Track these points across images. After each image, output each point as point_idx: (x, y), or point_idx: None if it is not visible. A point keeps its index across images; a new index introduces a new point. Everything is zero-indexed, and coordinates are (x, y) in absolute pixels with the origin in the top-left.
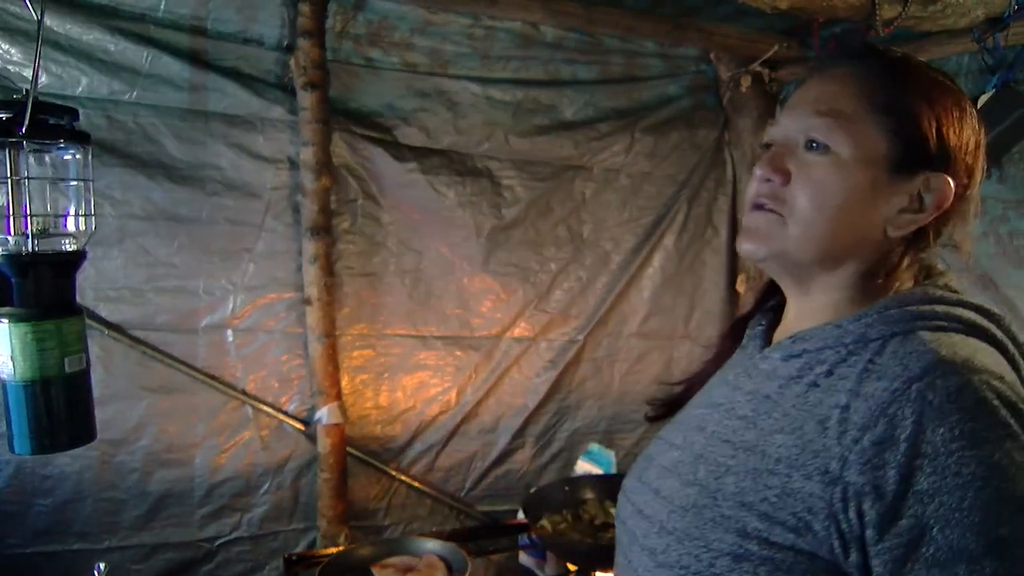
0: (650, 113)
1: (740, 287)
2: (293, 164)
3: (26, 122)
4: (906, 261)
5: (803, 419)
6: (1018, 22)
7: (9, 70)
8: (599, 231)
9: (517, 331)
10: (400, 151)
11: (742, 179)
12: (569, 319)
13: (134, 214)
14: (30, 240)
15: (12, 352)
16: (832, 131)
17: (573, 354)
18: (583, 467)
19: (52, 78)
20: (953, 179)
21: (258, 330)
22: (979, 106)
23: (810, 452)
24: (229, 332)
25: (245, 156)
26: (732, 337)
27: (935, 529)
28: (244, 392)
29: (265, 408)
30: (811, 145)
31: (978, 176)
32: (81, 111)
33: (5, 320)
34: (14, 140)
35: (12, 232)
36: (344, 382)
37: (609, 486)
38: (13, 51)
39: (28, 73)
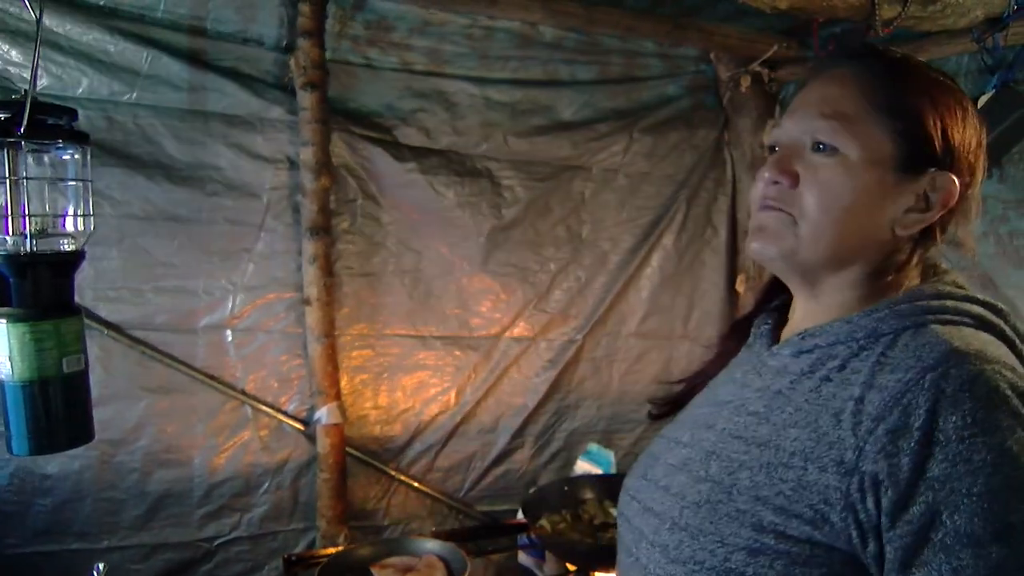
0: (649, 113)
1: (739, 287)
2: (292, 164)
3: (25, 122)
4: (914, 260)
5: (817, 412)
6: (1017, 22)
7: (9, 71)
8: (598, 231)
9: (516, 331)
10: (399, 151)
11: (741, 179)
12: (568, 319)
13: (134, 214)
14: (28, 240)
15: (10, 352)
16: (838, 133)
17: (572, 354)
18: (582, 467)
19: (52, 79)
20: (957, 178)
21: (257, 330)
22: (979, 106)
23: (825, 444)
24: (228, 332)
25: (245, 156)
26: (734, 337)
27: (944, 515)
28: (243, 392)
29: (264, 408)
30: (818, 147)
31: (980, 174)
32: (81, 112)
33: (3, 320)
34: (13, 140)
35: (11, 232)
36: (343, 382)
37: (608, 486)
38: (13, 52)
39: (28, 74)
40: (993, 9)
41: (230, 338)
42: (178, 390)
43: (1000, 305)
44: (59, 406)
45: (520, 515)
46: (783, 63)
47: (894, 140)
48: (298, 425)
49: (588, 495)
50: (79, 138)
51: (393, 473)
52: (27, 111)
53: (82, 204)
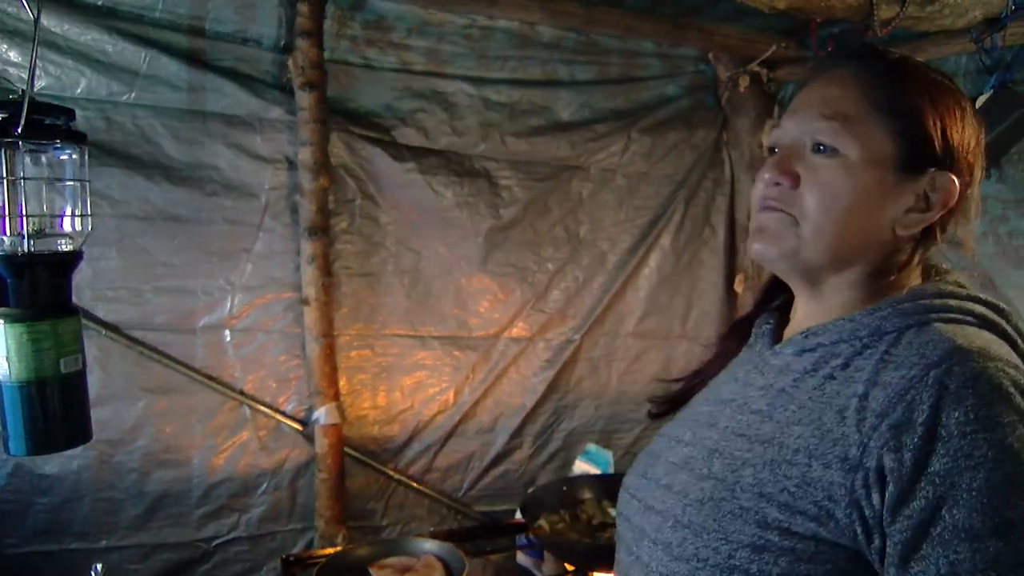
0: (648, 113)
1: (738, 287)
2: (291, 164)
3: (22, 122)
4: (914, 260)
5: (820, 410)
6: (1015, 22)
7: (8, 71)
8: (596, 231)
9: (515, 331)
10: (398, 151)
11: (740, 179)
12: (566, 319)
13: (132, 214)
14: (26, 240)
15: (7, 353)
16: (839, 134)
17: (570, 354)
18: (581, 467)
19: (51, 79)
20: (957, 177)
21: (256, 330)
22: (977, 107)
23: (829, 441)
24: (227, 332)
25: (243, 156)
26: (734, 337)
27: (944, 509)
28: (242, 392)
29: (263, 408)
30: (818, 148)
31: (978, 174)
32: (80, 112)
33: (0, 321)
34: (10, 140)
35: (8, 232)
36: (342, 382)
37: (607, 486)
38: (11, 52)
39: (27, 74)
40: (991, 9)
41: (229, 338)
42: (176, 390)
43: (1002, 305)
44: (56, 406)
45: (518, 515)
46: (782, 63)
47: (894, 140)
48: (296, 425)
49: (586, 495)
50: (76, 138)
51: (391, 473)
52: (24, 111)
53: (80, 204)
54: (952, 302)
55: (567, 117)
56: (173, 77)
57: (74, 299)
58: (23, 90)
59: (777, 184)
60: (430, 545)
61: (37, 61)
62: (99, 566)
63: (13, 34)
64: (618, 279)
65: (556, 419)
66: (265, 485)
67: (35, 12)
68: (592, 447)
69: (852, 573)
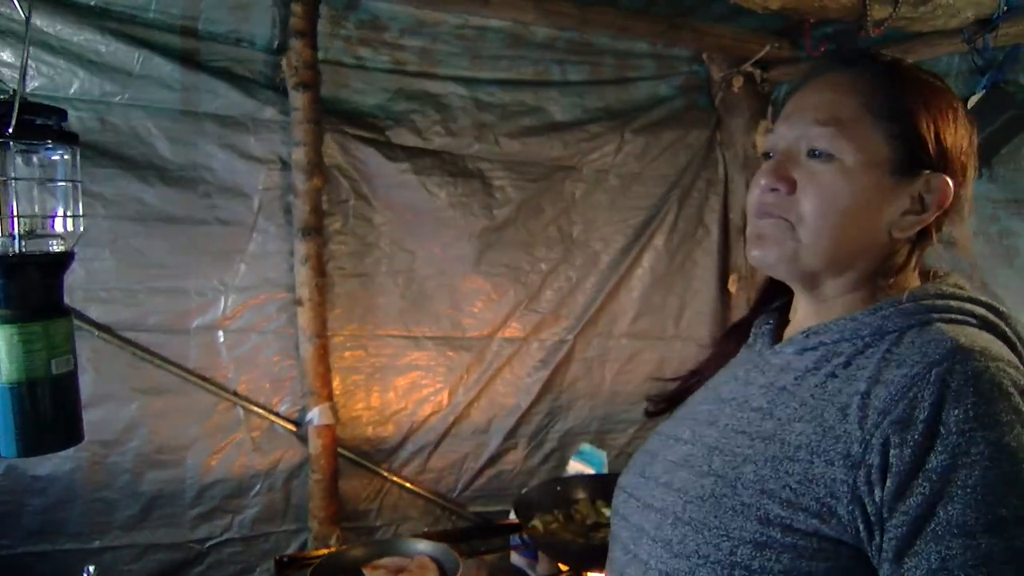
0: (641, 114)
1: (731, 287)
2: (285, 165)
3: (13, 122)
4: (912, 261)
5: (822, 407)
6: (1007, 23)
7: (1, 71)
8: (589, 231)
9: (508, 331)
10: (392, 151)
11: (733, 179)
12: (559, 319)
13: (126, 215)
14: (17, 241)
15: None
16: (835, 139)
17: (564, 354)
18: (575, 467)
19: (45, 80)
20: (951, 179)
21: (250, 331)
22: (969, 107)
23: (831, 438)
24: (220, 333)
25: (237, 157)
26: (733, 337)
27: (938, 505)
28: (235, 393)
29: (256, 409)
30: (814, 153)
31: (971, 174)
32: (73, 113)
33: None
34: (1, 140)
35: None
36: (336, 383)
37: (601, 486)
38: (4, 52)
39: (18, 74)
40: (983, 10)
41: (222, 339)
42: (170, 391)
43: (1001, 307)
44: (48, 407)
45: (512, 515)
46: (775, 63)
47: (889, 144)
48: (290, 426)
49: (580, 495)
50: (68, 138)
51: (385, 474)
52: (15, 111)
53: (72, 205)
54: (953, 303)
55: (560, 117)
56: (167, 77)
57: (67, 300)
58: (14, 90)
59: (774, 190)
60: (424, 546)
61: (30, 61)
62: (91, 568)
63: (5, 34)
64: (611, 279)
65: (551, 419)
66: (259, 486)
67: (26, 11)
68: (586, 447)
69: (853, 570)
